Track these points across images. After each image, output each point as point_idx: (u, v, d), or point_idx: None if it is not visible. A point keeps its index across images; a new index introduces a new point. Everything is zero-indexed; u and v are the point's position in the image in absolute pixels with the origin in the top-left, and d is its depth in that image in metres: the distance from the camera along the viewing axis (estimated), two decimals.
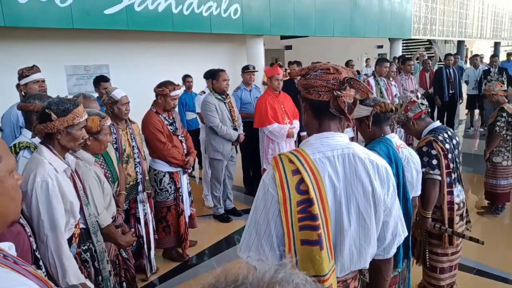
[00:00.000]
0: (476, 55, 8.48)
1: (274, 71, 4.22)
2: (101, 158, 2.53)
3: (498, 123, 3.90)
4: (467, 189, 5.01)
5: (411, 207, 2.00)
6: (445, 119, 7.86)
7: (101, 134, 2.17)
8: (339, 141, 1.17)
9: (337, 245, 1.15)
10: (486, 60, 11.65)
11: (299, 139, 4.70)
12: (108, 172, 2.56)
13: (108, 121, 2.23)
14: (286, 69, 6.00)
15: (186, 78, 5.71)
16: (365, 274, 1.69)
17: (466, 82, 8.38)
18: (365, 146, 2.02)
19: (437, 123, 2.44)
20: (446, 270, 2.52)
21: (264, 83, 8.21)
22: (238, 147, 4.27)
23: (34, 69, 3.09)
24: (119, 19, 5.44)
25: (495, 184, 4.10)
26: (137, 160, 3.01)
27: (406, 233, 1.29)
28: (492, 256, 3.37)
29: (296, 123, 4.37)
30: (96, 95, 3.79)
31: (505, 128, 3.90)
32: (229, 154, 4.12)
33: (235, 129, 4.07)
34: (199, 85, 5.21)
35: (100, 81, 4.09)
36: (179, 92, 3.25)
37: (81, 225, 1.83)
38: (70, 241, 1.73)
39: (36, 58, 3.91)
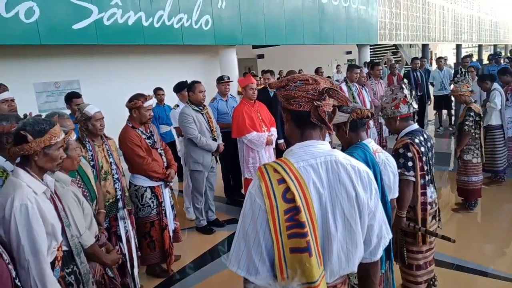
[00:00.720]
0: (441, 58, 8.85)
1: (248, 81, 4.26)
2: (78, 177, 2.46)
3: (467, 123, 4.07)
4: (441, 187, 5.19)
5: (390, 209, 2.07)
6: (415, 120, 8.14)
7: (69, 150, 2.10)
8: (322, 148, 1.21)
9: (325, 251, 1.17)
10: (450, 62, 12.18)
11: (277, 147, 4.74)
12: (86, 190, 2.48)
13: (73, 136, 2.15)
14: (260, 78, 6.04)
15: (157, 91, 5.66)
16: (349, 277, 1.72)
17: (432, 84, 8.72)
18: (343, 151, 2.07)
19: (415, 126, 2.52)
20: (422, 267, 2.62)
21: (239, 93, 8.25)
22: (218, 157, 4.25)
23: (1, 88, 2.98)
24: (88, 33, 5.34)
25: (467, 180, 4.27)
26: (116, 176, 2.94)
27: (391, 235, 1.32)
28: (469, 250, 3.49)
29: (274, 131, 4.41)
30: (68, 112, 3.69)
31: (473, 127, 4.07)
32: (210, 165, 4.09)
33: (214, 139, 4.06)
34: (173, 97, 5.17)
35: (72, 97, 3.99)
36: (151, 102, 3.21)
37: (64, 247, 1.76)
38: (53, 264, 1.66)
39: (2, 77, 3.79)
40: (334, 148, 1.30)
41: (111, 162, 2.94)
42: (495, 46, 24.04)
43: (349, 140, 2.07)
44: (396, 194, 2.23)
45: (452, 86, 4.26)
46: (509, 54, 16.51)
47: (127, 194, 3.04)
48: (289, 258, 1.10)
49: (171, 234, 3.37)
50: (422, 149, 2.41)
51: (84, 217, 2.03)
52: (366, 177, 1.21)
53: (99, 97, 5.54)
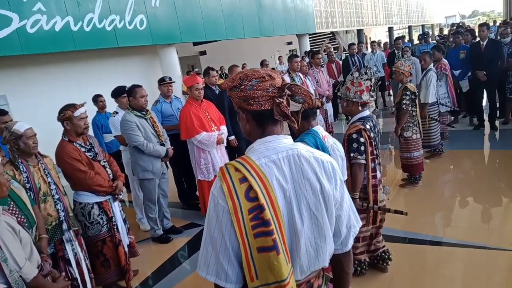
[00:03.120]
0: (374, 42, 9.26)
1: (194, 80, 4.13)
2: (11, 203, 2.23)
3: (404, 101, 4.28)
4: (385, 165, 5.44)
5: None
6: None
7: None
8: (283, 143, 1.18)
9: (293, 247, 1.15)
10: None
11: (228, 144, 4.68)
12: (23, 217, 2.26)
13: None
14: (203, 77, 5.93)
15: (97, 98, 5.33)
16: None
17: (366, 67, 9.09)
18: (295, 139, 2.13)
19: (367, 112, 2.63)
20: (361, 240, 2.85)
21: (184, 93, 8.06)
22: (168, 162, 4.11)
23: None
24: (10, 43, 4.89)
25: (410, 156, 4.51)
26: (56, 196, 2.72)
27: (360, 224, 1.32)
28: (420, 223, 3.69)
29: (224, 129, 4.34)
30: None
31: (410, 105, 4.30)
32: (160, 171, 3.93)
33: (162, 144, 3.90)
34: (114, 103, 4.91)
35: None
36: (84, 110, 2.99)
37: (2, 286, 1.58)
38: None
39: None
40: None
41: (49, 182, 2.71)
42: (423, 26, 25.65)
43: (301, 128, 2.16)
44: (346, 177, 2.33)
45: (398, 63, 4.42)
46: (438, 33, 17.67)
47: (71, 214, 2.83)
48: (257, 258, 1.07)
49: (126, 249, 3.20)
50: (372, 134, 2.52)
51: (22, 247, 1.84)
52: (330, 168, 1.20)
53: (30, 112, 5.15)
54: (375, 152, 2.57)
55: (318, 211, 1.16)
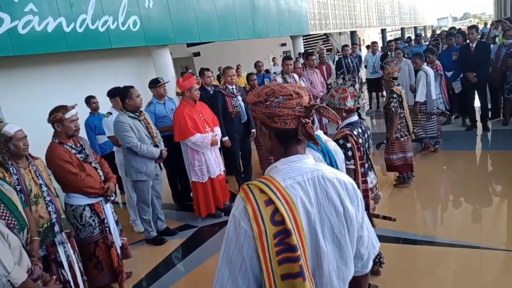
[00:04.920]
0: (374, 42, 9.28)
1: (192, 82, 4.11)
2: (2, 205, 2.20)
3: (392, 104, 4.35)
4: (378, 166, 5.45)
5: None
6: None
7: None
8: (307, 163, 1.14)
9: (315, 271, 1.10)
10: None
11: (222, 145, 4.67)
12: (13, 219, 2.22)
13: None
14: (197, 77, 5.87)
15: (90, 100, 5.28)
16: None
17: (365, 67, 9.14)
18: None
19: (355, 118, 2.63)
20: None
21: (177, 94, 8.03)
22: (161, 163, 4.08)
23: None
24: (1, 44, 4.85)
25: (394, 158, 4.59)
26: (48, 198, 2.69)
27: (379, 244, 1.29)
28: (414, 223, 3.71)
29: (218, 130, 4.33)
30: None
31: (398, 107, 4.35)
32: (154, 173, 3.90)
33: (156, 145, 3.88)
34: (108, 104, 4.87)
35: None
36: (75, 112, 2.96)
37: None
38: None
39: None
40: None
41: (40, 184, 2.68)
42: (415, 28, 25.88)
43: None
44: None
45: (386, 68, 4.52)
46: (429, 35, 17.82)
47: (63, 216, 2.80)
48: (281, 285, 1.01)
49: (119, 251, 3.18)
50: (360, 140, 2.53)
51: (11, 251, 1.81)
52: (352, 189, 1.17)
53: (21, 113, 5.09)
54: (364, 157, 2.58)
55: (342, 235, 1.12)
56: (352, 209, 1.14)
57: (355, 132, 2.52)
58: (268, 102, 1.11)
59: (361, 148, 2.52)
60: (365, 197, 2.63)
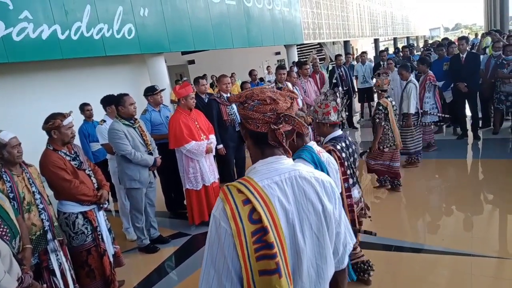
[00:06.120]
0: (364, 52, 9.40)
1: (188, 91, 4.13)
2: None
3: (377, 115, 4.45)
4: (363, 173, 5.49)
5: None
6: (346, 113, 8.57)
7: None
8: (285, 164, 1.18)
9: (295, 269, 1.13)
10: (370, 55, 13.00)
11: (217, 153, 4.68)
12: (5, 227, 2.21)
13: None
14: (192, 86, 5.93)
15: (84, 107, 5.29)
16: None
17: (356, 77, 9.25)
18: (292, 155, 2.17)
19: (339, 132, 2.68)
20: None
21: (172, 102, 8.04)
22: (155, 171, 4.08)
23: None
24: None
25: (373, 163, 4.73)
26: (41, 206, 2.67)
27: (354, 240, 1.33)
28: (405, 231, 3.74)
29: (213, 138, 4.35)
30: None
31: (383, 119, 4.43)
32: (148, 181, 3.90)
33: (150, 153, 3.88)
34: (102, 112, 4.87)
35: None
36: (71, 119, 2.97)
37: None
38: None
39: None
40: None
41: (33, 192, 2.67)
42: (408, 38, 26.22)
43: (295, 146, 2.20)
44: (340, 189, 2.34)
45: (374, 80, 4.62)
46: (422, 45, 18.09)
47: (56, 224, 2.78)
48: (258, 281, 1.05)
49: (111, 259, 3.16)
50: (344, 155, 2.56)
51: (1, 260, 1.80)
52: (330, 187, 1.20)
53: (15, 120, 5.06)
54: (348, 171, 2.60)
55: (320, 232, 1.16)
56: (330, 207, 1.18)
57: (338, 147, 2.55)
58: (246, 104, 1.17)
59: (345, 163, 2.55)
60: (351, 211, 2.64)
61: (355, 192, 2.74)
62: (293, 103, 1.19)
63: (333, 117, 2.59)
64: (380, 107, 4.43)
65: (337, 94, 2.64)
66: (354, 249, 2.91)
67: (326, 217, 1.17)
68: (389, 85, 4.53)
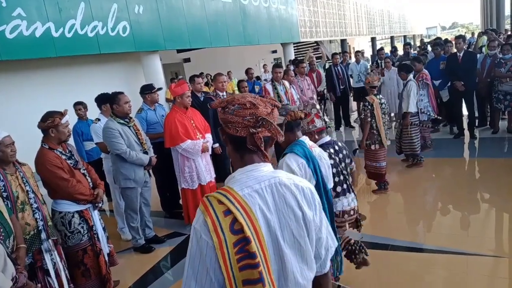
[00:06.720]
0: (358, 51, 9.38)
1: (184, 89, 4.09)
2: None
3: (364, 112, 4.47)
4: (359, 173, 5.47)
5: (331, 197, 2.25)
6: (341, 112, 8.58)
7: None
8: (264, 171, 1.18)
9: (280, 275, 1.14)
10: (367, 54, 12.98)
11: (213, 152, 4.65)
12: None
13: None
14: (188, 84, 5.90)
15: (78, 106, 5.25)
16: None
17: (351, 76, 9.24)
18: (284, 150, 2.19)
19: (327, 138, 2.69)
20: None
21: (167, 100, 8.00)
22: (150, 170, 4.05)
23: None
24: None
25: (375, 166, 4.66)
26: (35, 205, 2.65)
27: (336, 243, 1.33)
28: (402, 230, 3.74)
29: (209, 137, 4.32)
30: None
31: (370, 116, 4.43)
32: (143, 180, 3.87)
33: (145, 152, 3.85)
34: (96, 111, 4.84)
35: None
36: (68, 117, 2.95)
37: None
38: None
39: None
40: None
41: (27, 191, 2.64)
42: (405, 36, 26.28)
43: (286, 140, 2.19)
44: (332, 184, 2.34)
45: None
46: (418, 44, 18.13)
47: (50, 223, 2.76)
48: None
49: (106, 258, 3.14)
50: (331, 161, 2.55)
51: None
52: (309, 193, 1.21)
53: (8, 118, 5.01)
54: (336, 178, 2.58)
55: (301, 237, 1.16)
56: (310, 213, 1.19)
57: (327, 153, 2.55)
58: (227, 109, 1.18)
59: (333, 169, 2.54)
60: (331, 221, 2.59)
61: (344, 202, 2.68)
62: (273, 109, 1.20)
63: (318, 123, 2.62)
64: (367, 104, 4.44)
65: (315, 103, 2.69)
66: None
67: (306, 224, 1.18)
68: (379, 81, 4.54)
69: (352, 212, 2.74)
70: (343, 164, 2.66)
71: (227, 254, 1.04)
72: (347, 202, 2.69)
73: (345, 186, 2.68)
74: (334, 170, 2.56)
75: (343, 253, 2.81)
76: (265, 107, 1.17)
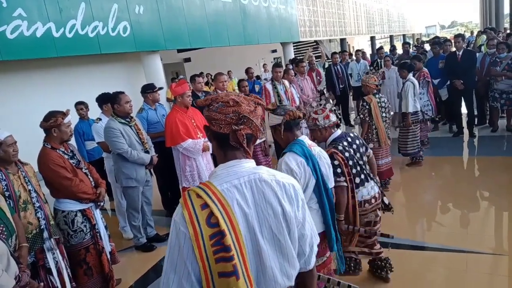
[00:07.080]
0: (358, 51, 9.40)
1: (185, 88, 4.11)
2: None
3: (361, 112, 4.51)
4: None
5: (332, 195, 2.26)
6: (340, 111, 8.59)
7: None
8: (245, 167, 1.21)
9: (258, 270, 1.17)
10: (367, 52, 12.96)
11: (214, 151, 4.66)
12: (2, 225, 2.20)
13: None
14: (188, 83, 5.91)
15: (79, 105, 5.26)
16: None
17: (351, 75, 9.26)
18: (283, 149, 2.21)
19: (339, 132, 2.67)
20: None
21: (168, 100, 8.02)
22: (151, 169, 4.06)
23: None
24: None
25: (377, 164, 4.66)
26: (37, 205, 2.66)
27: (318, 240, 1.35)
28: (403, 228, 3.76)
29: None
30: None
31: (367, 115, 4.45)
32: (144, 179, 3.89)
33: (147, 151, 3.87)
34: (97, 110, 4.85)
35: None
36: (70, 117, 2.98)
37: None
38: None
39: None
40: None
41: (29, 190, 2.66)
42: (404, 36, 26.28)
43: (286, 139, 2.21)
44: (332, 184, 2.34)
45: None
46: (415, 43, 18.14)
47: (52, 222, 2.77)
48: (218, 282, 1.08)
49: (109, 256, 3.16)
50: (346, 154, 2.56)
51: None
52: (291, 190, 1.23)
53: (10, 119, 5.02)
54: (354, 170, 2.57)
55: (280, 233, 1.18)
56: (291, 209, 1.21)
57: (340, 147, 2.55)
58: (211, 106, 1.22)
59: (349, 162, 2.55)
60: (353, 213, 2.61)
61: (364, 192, 2.69)
62: (257, 107, 1.23)
63: (333, 118, 2.61)
64: (365, 103, 4.46)
65: (328, 97, 2.68)
66: (373, 246, 2.87)
67: (286, 220, 1.20)
68: (375, 82, 4.55)
69: (373, 201, 2.73)
70: (358, 155, 2.65)
71: (203, 246, 1.08)
72: (366, 192, 2.70)
73: (362, 176, 2.67)
74: (351, 162, 2.55)
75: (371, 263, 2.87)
76: (248, 105, 1.20)
